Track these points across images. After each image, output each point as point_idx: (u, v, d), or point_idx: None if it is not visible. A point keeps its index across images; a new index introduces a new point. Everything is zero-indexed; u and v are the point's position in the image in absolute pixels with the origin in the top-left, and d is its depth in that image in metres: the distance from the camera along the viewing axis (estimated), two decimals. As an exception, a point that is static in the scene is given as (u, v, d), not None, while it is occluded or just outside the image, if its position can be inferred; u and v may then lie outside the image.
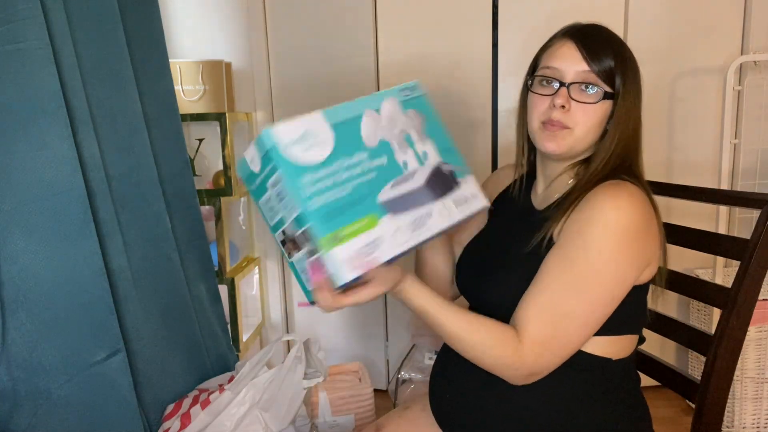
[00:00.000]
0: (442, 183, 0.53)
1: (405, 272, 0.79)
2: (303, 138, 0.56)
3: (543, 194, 0.96)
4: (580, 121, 0.84)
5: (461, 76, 1.97)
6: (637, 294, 0.86)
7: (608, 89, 0.84)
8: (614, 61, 0.84)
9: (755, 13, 1.89)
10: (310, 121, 0.57)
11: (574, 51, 0.84)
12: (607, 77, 0.84)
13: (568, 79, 0.84)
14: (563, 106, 0.84)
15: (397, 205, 0.54)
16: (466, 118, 1.99)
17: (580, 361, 0.85)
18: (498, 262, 0.92)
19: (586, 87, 0.84)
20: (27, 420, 0.97)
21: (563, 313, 0.80)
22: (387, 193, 0.55)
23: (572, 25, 0.89)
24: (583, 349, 0.85)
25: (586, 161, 0.91)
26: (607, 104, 0.85)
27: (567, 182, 0.91)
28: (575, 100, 0.84)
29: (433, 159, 0.54)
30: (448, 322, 0.80)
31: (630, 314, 0.86)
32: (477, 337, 0.80)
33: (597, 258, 0.79)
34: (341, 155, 0.56)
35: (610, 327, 0.83)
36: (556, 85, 0.85)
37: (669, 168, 2.00)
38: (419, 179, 0.54)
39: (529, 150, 0.99)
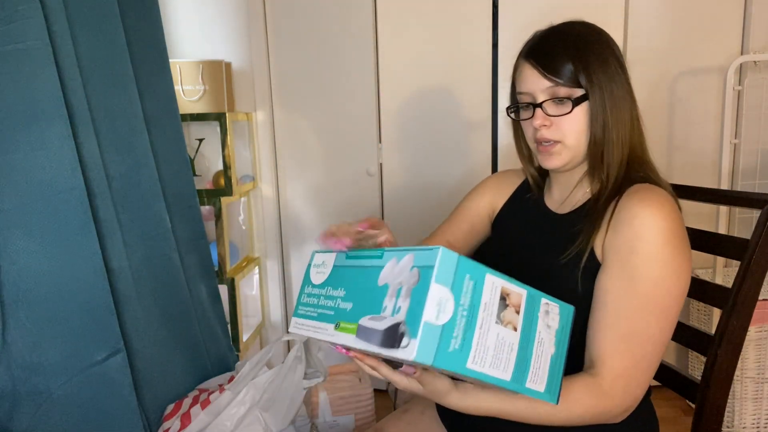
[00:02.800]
0: (391, 338, 0.58)
1: (454, 384, 0.73)
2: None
3: (560, 199, 0.95)
4: (566, 131, 0.85)
5: (461, 76, 1.97)
6: None
7: (579, 93, 0.84)
8: (573, 63, 0.83)
9: (755, 13, 1.89)
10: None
11: (533, 71, 0.85)
12: (573, 82, 0.83)
13: (539, 99, 0.85)
14: (545, 125, 0.86)
15: (360, 332, 0.63)
16: (466, 118, 1.99)
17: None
18: (531, 273, 0.87)
19: (558, 100, 0.84)
20: (27, 420, 0.97)
21: (641, 338, 0.77)
22: (364, 320, 0.63)
23: (528, 42, 0.89)
24: None
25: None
26: (585, 106, 0.85)
27: (587, 187, 0.91)
28: (552, 116, 0.85)
29: (400, 317, 0.59)
30: (522, 412, 0.75)
31: None
32: (554, 406, 0.74)
33: (661, 270, 0.77)
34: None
35: None
36: (531, 108, 0.87)
37: (669, 168, 2.00)
38: (382, 325, 0.60)
39: (536, 163, 0.99)
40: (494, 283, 0.62)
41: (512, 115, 0.92)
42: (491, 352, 0.62)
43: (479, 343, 0.61)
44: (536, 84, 0.85)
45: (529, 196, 1.02)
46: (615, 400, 0.77)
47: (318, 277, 0.75)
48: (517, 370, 0.64)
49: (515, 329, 0.64)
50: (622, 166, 0.86)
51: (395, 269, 0.63)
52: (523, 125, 0.91)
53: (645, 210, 0.78)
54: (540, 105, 0.85)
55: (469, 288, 0.60)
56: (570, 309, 0.70)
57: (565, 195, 0.94)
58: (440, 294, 0.58)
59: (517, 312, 0.64)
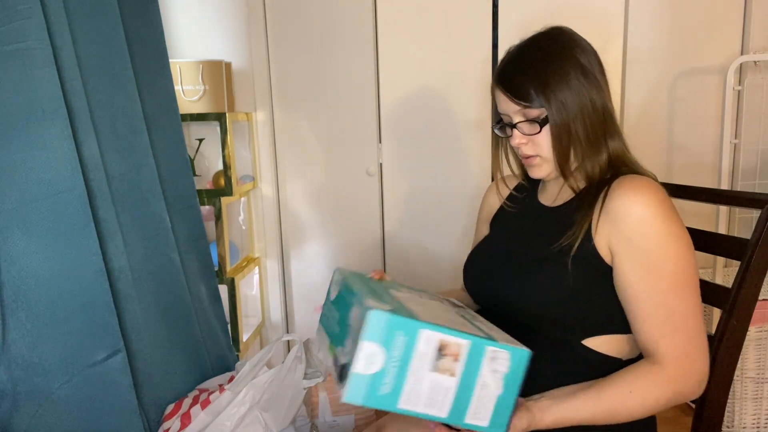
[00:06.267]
0: (341, 375, 0.69)
1: (531, 410, 0.78)
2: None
3: (553, 196, 0.98)
4: (540, 147, 0.90)
5: (461, 76, 1.97)
6: None
7: (545, 112, 0.87)
8: (533, 86, 0.87)
9: (755, 13, 1.89)
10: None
11: (503, 96, 0.91)
12: (538, 103, 0.87)
13: (514, 120, 0.91)
14: (522, 142, 0.91)
15: (334, 360, 0.73)
16: (466, 118, 1.99)
17: (590, 359, 0.86)
18: (524, 262, 0.92)
19: (529, 121, 0.89)
20: (27, 420, 0.97)
21: (684, 315, 0.80)
22: (337, 350, 0.73)
23: (499, 65, 0.94)
24: (594, 347, 0.86)
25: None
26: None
27: (578, 182, 0.93)
28: (527, 134, 0.90)
29: (348, 359, 0.68)
30: (598, 414, 0.80)
31: None
32: (629, 402, 0.80)
33: (675, 246, 0.80)
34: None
35: (621, 325, 0.85)
36: (509, 128, 0.93)
37: (669, 168, 2.00)
38: (340, 361, 0.71)
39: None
40: (430, 337, 0.68)
41: (498, 132, 0.97)
42: (425, 394, 0.69)
43: (412, 389, 0.68)
44: (509, 107, 0.91)
45: (522, 197, 1.06)
46: (686, 380, 0.80)
47: (333, 294, 0.85)
48: (455, 409, 0.70)
49: (453, 375, 0.70)
50: (603, 165, 0.90)
51: (355, 314, 0.71)
52: (511, 143, 0.96)
53: (639, 197, 0.82)
54: (516, 126, 0.90)
55: (400, 343, 0.67)
56: (523, 354, 0.72)
57: (557, 192, 0.98)
58: (370, 349, 0.67)
59: (456, 360, 0.70)
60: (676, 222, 0.82)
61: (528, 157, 0.92)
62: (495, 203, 1.11)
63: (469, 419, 0.71)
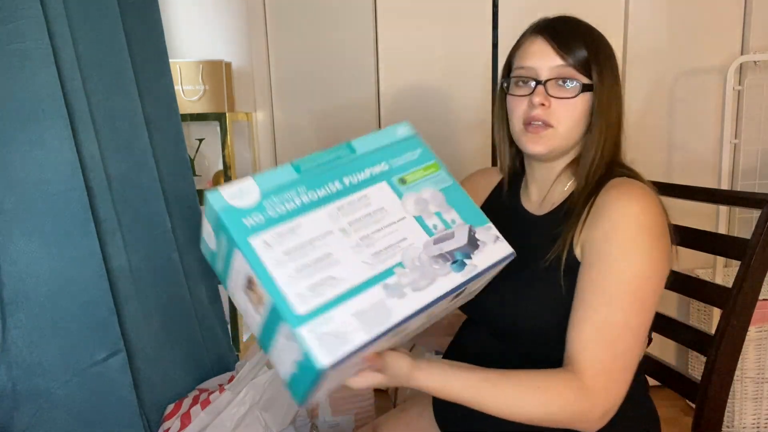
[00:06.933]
0: None
1: (415, 363, 0.70)
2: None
3: (538, 199, 0.93)
4: (562, 117, 0.82)
5: (461, 75, 1.97)
6: None
7: (586, 81, 0.81)
8: (588, 51, 0.80)
9: (755, 13, 1.89)
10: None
11: (545, 46, 0.82)
12: (584, 68, 0.81)
13: (543, 77, 0.82)
14: (543, 104, 0.81)
15: None
16: (466, 117, 1.99)
17: None
18: (514, 280, 0.84)
19: (564, 82, 0.81)
20: (27, 420, 0.97)
21: (620, 329, 0.74)
22: None
23: (540, 20, 0.86)
24: None
25: (578, 159, 0.88)
26: (587, 96, 0.82)
27: (566, 184, 0.89)
28: (554, 97, 0.81)
29: None
30: (489, 399, 0.72)
31: None
32: (533, 399, 0.71)
33: (636, 258, 0.75)
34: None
35: None
36: (533, 83, 0.82)
37: (669, 168, 2.00)
38: None
39: (515, 153, 0.97)
40: (241, 263, 0.60)
41: (506, 88, 0.87)
42: (241, 304, 0.65)
43: (232, 286, 0.65)
44: (545, 60, 0.82)
45: (504, 199, 0.99)
46: (597, 398, 0.72)
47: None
48: (262, 339, 0.63)
49: (258, 313, 0.61)
50: (599, 166, 0.84)
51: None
52: (514, 102, 0.86)
53: (620, 201, 0.77)
54: (544, 82, 0.81)
55: (224, 243, 0.62)
56: (312, 366, 0.56)
57: (543, 193, 0.92)
58: (207, 228, 0.65)
59: (260, 303, 0.60)
60: (654, 238, 0.76)
61: (537, 122, 0.82)
62: (484, 189, 1.03)
63: (272, 360, 0.64)
